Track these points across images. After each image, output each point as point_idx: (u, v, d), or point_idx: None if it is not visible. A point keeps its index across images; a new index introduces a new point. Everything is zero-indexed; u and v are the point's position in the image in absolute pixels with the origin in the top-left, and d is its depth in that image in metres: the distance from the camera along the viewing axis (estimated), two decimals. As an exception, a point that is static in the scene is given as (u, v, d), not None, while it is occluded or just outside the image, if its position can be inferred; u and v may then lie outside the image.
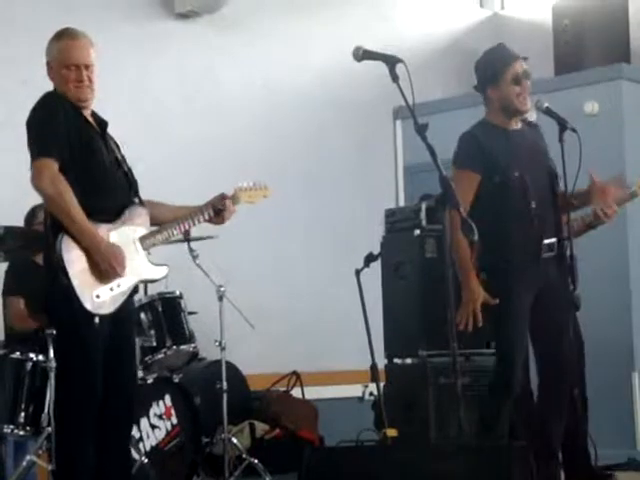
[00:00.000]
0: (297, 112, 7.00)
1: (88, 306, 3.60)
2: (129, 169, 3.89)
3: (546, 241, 4.28)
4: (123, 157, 3.90)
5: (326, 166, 7.11)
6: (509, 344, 4.25)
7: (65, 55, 3.75)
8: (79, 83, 3.73)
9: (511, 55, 4.39)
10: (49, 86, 3.84)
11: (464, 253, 4.14)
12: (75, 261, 3.61)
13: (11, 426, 4.47)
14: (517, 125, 4.41)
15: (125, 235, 3.75)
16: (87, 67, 3.76)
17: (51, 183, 3.58)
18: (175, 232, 3.94)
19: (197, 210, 3.99)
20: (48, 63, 3.78)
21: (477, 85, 4.45)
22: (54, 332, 3.84)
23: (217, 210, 4.01)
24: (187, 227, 3.99)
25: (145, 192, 3.94)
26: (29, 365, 4.51)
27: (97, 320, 3.62)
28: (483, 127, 4.40)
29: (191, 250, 4.92)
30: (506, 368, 4.25)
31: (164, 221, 3.93)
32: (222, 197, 4.05)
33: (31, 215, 5.10)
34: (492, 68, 4.37)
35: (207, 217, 4.01)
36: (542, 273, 4.27)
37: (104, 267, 3.63)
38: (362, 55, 3.56)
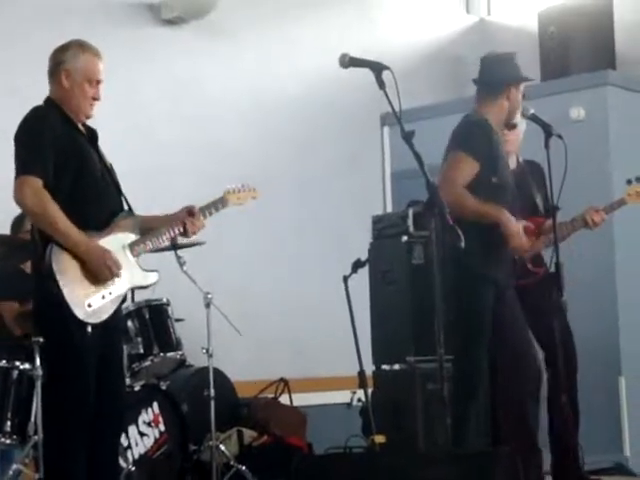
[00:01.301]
0: (284, 118, 6.99)
1: (80, 315, 3.59)
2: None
3: None
4: (111, 165, 3.90)
5: (314, 172, 7.10)
6: (472, 355, 4.25)
7: (92, 69, 3.79)
8: (94, 101, 3.80)
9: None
10: (37, 94, 3.83)
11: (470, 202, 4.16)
12: (66, 270, 3.59)
13: (-3, 435, 4.45)
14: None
15: (115, 242, 3.75)
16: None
17: (34, 197, 3.58)
18: (164, 238, 3.93)
19: (174, 218, 3.95)
20: (66, 70, 3.76)
21: (483, 78, 4.41)
22: (40, 340, 3.79)
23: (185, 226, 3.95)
24: (176, 232, 3.97)
25: (131, 199, 3.92)
26: (15, 373, 4.47)
27: (89, 329, 3.61)
28: (488, 124, 4.35)
29: (178, 257, 4.90)
30: (465, 376, 4.24)
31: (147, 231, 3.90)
32: (188, 211, 3.98)
33: (18, 223, 5.05)
34: (516, 70, 4.39)
35: (182, 230, 3.96)
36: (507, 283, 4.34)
37: (99, 269, 3.61)
38: (348, 62, 3.57)
